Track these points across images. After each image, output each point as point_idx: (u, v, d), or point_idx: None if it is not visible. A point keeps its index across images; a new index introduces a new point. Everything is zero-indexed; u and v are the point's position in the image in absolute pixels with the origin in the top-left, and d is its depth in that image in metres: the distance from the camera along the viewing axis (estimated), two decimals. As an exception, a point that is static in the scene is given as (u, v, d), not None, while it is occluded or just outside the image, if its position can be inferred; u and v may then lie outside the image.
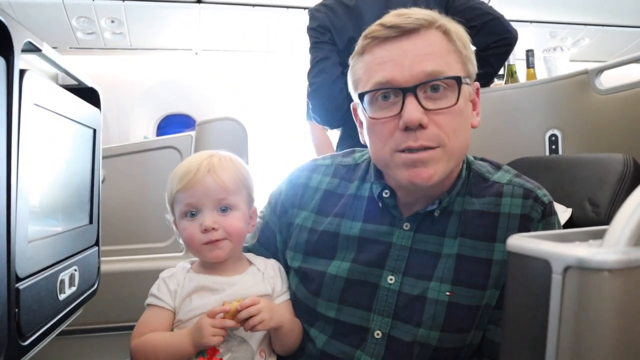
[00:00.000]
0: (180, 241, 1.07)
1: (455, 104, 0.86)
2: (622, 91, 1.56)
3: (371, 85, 0.89)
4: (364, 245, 1.00)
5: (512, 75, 2.18)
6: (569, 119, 1.74)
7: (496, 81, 2.32)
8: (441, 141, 0.86)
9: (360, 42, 0.93)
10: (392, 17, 0.89)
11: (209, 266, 1.04)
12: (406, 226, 0.98)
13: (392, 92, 0.88)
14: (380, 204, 1.01)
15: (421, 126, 0.85)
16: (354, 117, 1.03)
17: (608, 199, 1.23)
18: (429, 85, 0.86)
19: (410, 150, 0.86)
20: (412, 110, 0.84)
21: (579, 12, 3.30)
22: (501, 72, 2.32)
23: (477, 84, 0.96)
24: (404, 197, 0.99)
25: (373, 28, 0.90)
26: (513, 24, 3.22)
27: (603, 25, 3.45)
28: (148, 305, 1.02)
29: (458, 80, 0.86)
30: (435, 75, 0.85)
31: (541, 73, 2.25)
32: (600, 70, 1.65)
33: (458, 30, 0.91)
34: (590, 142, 1.67)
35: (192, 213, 1.00)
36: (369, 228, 1.01)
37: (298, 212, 1.09)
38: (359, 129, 1.01)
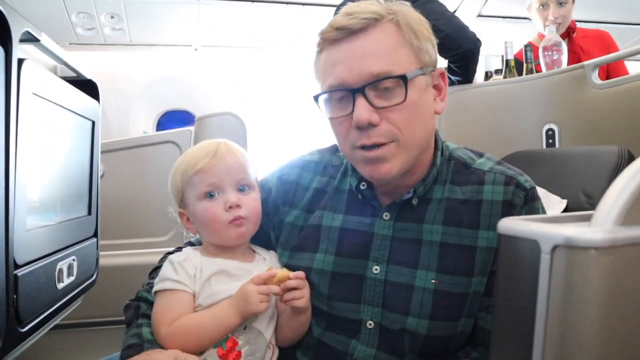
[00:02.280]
0: (185, 232, 1.07)
1: (404, 100, 0.87)
2: (618, 85, 1.57)
3: (325, 87, 0.91)
4: (346, 237, 1.01)
5: (510, 70, 2.18)
6: (565, 113, 1.75)
7: (494, 76, 2.32)
8: (394, 136, 0.88)
9: (318, 39, 0.94)
10: (341, 17, 0.90)
11: (221, 250, 1.03)
12: (386, 216, 0.99)
13: (343, 93, 0.89)
14: (359, 196, 1.02)
15: (372, 124, 0.86)
16: None
17: (603, 190, 1.21)
18: (378, 85, 0.87)
19: (365, 147, 0.88)
20: (361, 111, 0.86)
21: (579, 9, 3.30)
22: (499, 67, 2.33)
23: (442, 68, 0.96)
24: (381, 187, 1.00)
25: (325, 29, 0.92)
26: (511, 22, 3.22)
27: (604, 23, 3.45)
28: (165, 290, 0.97)
29: (404, 78, 0.87)
30: (381, 76, 0.86)
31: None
32: (596, 65, 1.66)
33: (409, 21, 0.91)
34: (586, 135, 1.68)
35: (211, 194, 1.01)
36: (351, 219, 1.02)
37: (289, 210, 1.09)
38: None
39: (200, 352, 0.94)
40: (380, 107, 0.87)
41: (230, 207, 0.99)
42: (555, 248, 0.43)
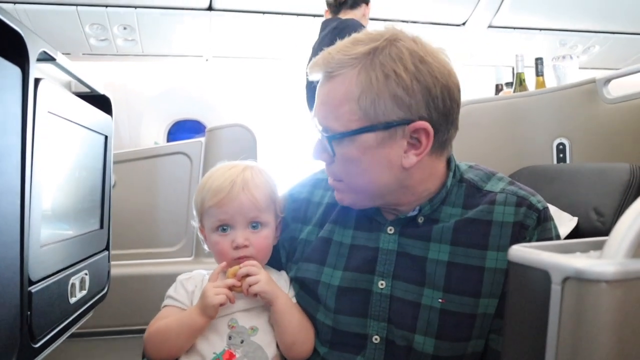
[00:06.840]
0: (206, 247, 1.08)
1: (333, 156, 0.93)
2: (630, 100, 1.56)
3: None
4: (354, 253, 1.02)
5: (520, 83, 2.18)
6: (576, 127, 1.74)
7: (505, 89, 2.32)
8: (339, 178, 0.97)
9: None
10: (322, 54, 0.94)
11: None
12: (390, 230, 0.99)
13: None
14: (365, 211, 1.03)
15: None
16: None
17: (614, 208, 1.22)
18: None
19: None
20: (315, 151, 0.98)
21: (589, 19, 3.29)
22: (510, 80, 2.33)
23: (424, 124, 0.87)
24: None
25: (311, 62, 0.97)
26: (523, 32, 3.23)
27: (613, 33, 3.44)
28: (164, 306, 1.03)
29: (328, 138, 0.91)
30: (320, 128, 0.94)
31: (551, 81, 2.25)
32: (608, 80, 1.65)
33: (392, 63, 0.86)
34: (598, 151, 1.67)
35: (223, 228, 1.03)
36: (359, 235, 1.03)
37: (302, 227, 1.10)
38: None
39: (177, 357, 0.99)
40: (321, 159, 0.98)
41: (236, 247, 1.01)
42: (566, 280, 0.43)
